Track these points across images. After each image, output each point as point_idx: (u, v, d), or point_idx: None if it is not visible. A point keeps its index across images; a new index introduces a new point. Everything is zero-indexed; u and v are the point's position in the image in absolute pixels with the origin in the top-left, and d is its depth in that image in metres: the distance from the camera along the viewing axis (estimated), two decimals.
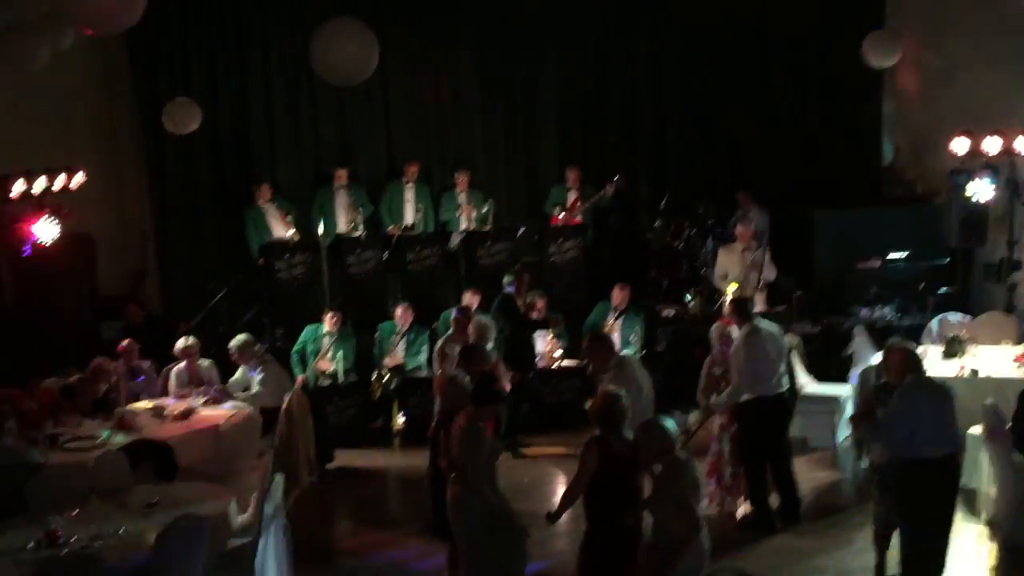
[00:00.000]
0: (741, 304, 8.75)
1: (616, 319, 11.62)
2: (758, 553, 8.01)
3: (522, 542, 6.55)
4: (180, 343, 10.15)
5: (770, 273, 11.74)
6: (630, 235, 13.79)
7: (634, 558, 6.12)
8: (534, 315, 11.15)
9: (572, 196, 13.39)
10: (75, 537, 6.31)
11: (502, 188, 14.23)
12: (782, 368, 8.54)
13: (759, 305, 11.38)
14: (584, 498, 6.22)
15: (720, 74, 14.49)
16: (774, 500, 8.64)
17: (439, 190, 13.83)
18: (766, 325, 8.65)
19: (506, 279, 11.28)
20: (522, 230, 13.32)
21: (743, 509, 8.68)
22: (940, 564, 6.84)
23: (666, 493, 5.95)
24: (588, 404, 6.66)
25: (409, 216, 13.30)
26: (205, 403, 9.58)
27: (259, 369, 10.09)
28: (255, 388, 9.98)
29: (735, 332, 8.61)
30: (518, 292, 11.07)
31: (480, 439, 6.49)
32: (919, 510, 6.76)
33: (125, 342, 10.23)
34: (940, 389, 6.87)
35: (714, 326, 9.01)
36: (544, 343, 11.56)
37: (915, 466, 6.64)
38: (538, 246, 13.15)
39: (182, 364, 10.11)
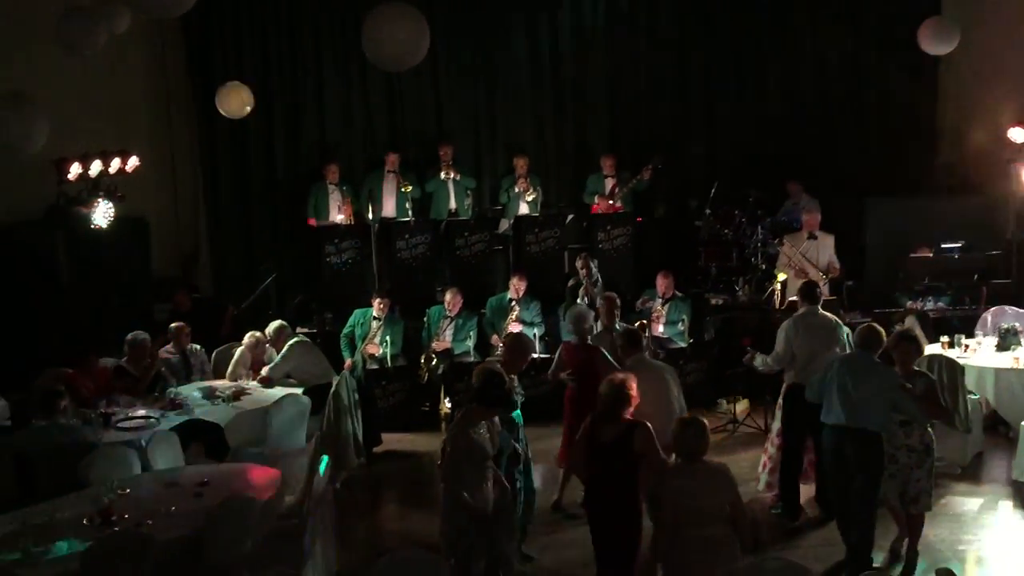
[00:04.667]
0: (807, 288, 8.70)
1: (663, 306, 11.59)
2: (806, 544, 7.95)
3: (494, 555, 6.41)
4: (248, 339, 10.20)
5: (836, 261, 11.64)
6: (680, 222, 13.71)
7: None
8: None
9: (610, 183, 13.33)
10: (127, 515, 6.40)
11: (552, 174, 14.22)
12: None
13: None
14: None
15: (774, 61, 14.38)
16: (811, 490, 8.65)
17: (495, 175, 13.90)
18: (822, 315, 8.51)
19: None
20: (571, 217, 13.32)
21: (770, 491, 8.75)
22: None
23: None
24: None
25: (453, 202, 13.33)
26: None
27: (286, 347, 10.09)
28: (277, 360, 10.03)
29: None
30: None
31: (468, 443, 6.21)
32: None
33: (177, 324, 10.32)
34: (864, 367, 7.25)
35: None
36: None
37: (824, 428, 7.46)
38: (586, 233, 13.13)
39: (247, 351, 10.18)
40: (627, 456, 6.22)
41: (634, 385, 6.46)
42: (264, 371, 9.91)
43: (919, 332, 7.87)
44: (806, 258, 11.48)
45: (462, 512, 6.18)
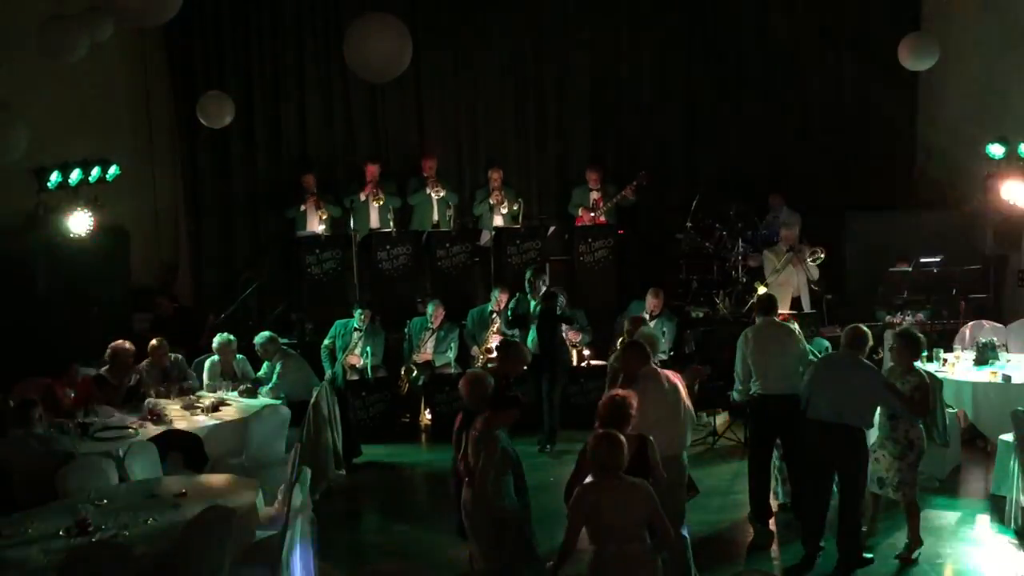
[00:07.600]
0: (762, 300, 8.80)
1: (650, 322, 11.56)
2: (786, 555, 7.97)
3: (532, 554, 6.49)
4: (218, 339, 10.16)
5: (814, 273, 11.73)
6: (661, 236, 13.74)
7: None
8: None
9: (595, 196, 13.33)
10: (104, 526, 6.36)
11: (532, 186, 14.22)
12: (789, 369, 8.17)
13: (805, 306, 11.74)
14: None
15: (753, 75, 14.43)
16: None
17: (477, 186, 13.89)
18: (775, 324, 8.51)
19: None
20: (552, 229, 13.32)
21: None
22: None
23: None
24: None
25: (435, 215, 13.29)
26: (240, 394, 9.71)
27: (280, 363, 10.11)
28: (274, 379, 10.02)
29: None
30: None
31: (491, 446, 6.30)
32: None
33: (154, 341, 10.13)
34: (849, 365, 7.52)
35: None
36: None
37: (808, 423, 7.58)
38: (568, 245, 13.14)
39: (216, 357, 10.15)
40: (644, 470, 6.05)
41: (635, 403, 6.25)
42: (264, 391, 9.87)
43: (919, 333, 7.99)
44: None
45: (497, 522, 6.26)
